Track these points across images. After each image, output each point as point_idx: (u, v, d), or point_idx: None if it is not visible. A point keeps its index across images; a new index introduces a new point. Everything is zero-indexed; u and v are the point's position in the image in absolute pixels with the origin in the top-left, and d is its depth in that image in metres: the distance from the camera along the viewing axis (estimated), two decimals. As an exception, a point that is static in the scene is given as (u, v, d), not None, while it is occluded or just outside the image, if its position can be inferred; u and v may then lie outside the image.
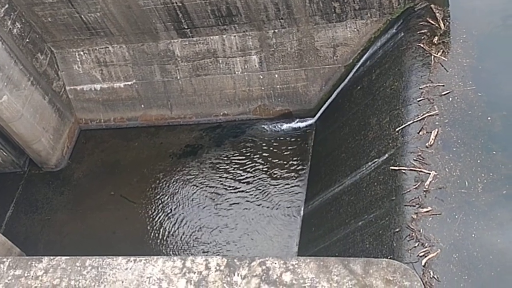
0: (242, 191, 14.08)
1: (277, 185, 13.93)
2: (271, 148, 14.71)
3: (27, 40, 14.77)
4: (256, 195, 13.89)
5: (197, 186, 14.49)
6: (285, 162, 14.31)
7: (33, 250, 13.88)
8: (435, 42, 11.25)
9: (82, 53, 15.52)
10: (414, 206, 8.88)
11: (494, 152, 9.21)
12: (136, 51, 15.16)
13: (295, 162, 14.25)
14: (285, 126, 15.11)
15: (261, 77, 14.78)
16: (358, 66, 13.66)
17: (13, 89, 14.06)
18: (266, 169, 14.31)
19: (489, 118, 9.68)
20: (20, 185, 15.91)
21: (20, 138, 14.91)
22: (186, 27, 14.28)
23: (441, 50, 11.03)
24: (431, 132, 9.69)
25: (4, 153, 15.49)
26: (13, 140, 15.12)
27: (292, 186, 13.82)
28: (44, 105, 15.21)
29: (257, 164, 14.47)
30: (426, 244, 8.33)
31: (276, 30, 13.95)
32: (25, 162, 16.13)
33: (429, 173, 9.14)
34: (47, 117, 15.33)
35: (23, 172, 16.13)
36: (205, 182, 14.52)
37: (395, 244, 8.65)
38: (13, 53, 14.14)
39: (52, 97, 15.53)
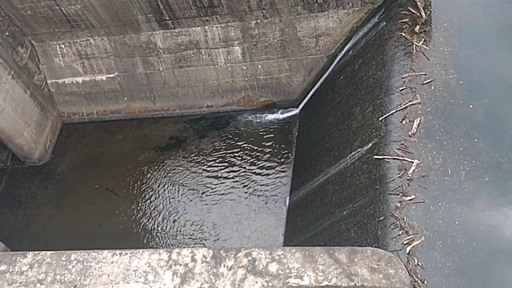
0: (228, 182, 14.09)
1: (262, 176, 13.96)
2: (256, 139, 14.71)
3: (7, 34, 14.59)
4: (241, 187, 13.90)
5: (182, 178, 14.48)
6: (269, 153, 14.34)
7: (17, 245, 13.77)
8: (417, 31, 11.30)
9: (63, 46, 15.37)
10: (398, 194, 8.94)
11: (476, 140, 9.30)
12: (117, 43, 15.04)
13: (279, 153, 14.28)
14: (269, 117, 15.12)
15: (244, 68, 14.75)
16: (340, 56, 13.69)
17: (-7, 84, 13.95)
18: (251, 160, 14.34)
19: (471, 106, 9.76)
20: (3, 180, 15.78)
21: (2, 133, 14.76)
22: (167, 19, 14.19)
23: (423, 39, 11.08)
24: (413, 121, 9.75)
25: (-14, 148, 15.38)
26: (-5, 135, 14.99)
27: (277, 177, 13.86)
28: (25, 99, 15.06)
29: (242, 156, 14.48)
30: (410, 232, 8.40)
31: (258, 21, 13.92)
32: (7, 156, 15.98)
33: (412, 162, 9.21)
34: (29, 111, 15.19)
35: (6, 167, 15.99)
36: (190, 174, 14.51)
37: (379, 233, 8.71)
38: (-8, 47, 14.01)
39: (34, 90, 15.39)
